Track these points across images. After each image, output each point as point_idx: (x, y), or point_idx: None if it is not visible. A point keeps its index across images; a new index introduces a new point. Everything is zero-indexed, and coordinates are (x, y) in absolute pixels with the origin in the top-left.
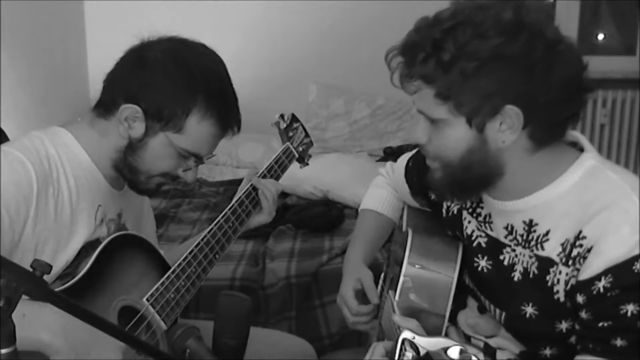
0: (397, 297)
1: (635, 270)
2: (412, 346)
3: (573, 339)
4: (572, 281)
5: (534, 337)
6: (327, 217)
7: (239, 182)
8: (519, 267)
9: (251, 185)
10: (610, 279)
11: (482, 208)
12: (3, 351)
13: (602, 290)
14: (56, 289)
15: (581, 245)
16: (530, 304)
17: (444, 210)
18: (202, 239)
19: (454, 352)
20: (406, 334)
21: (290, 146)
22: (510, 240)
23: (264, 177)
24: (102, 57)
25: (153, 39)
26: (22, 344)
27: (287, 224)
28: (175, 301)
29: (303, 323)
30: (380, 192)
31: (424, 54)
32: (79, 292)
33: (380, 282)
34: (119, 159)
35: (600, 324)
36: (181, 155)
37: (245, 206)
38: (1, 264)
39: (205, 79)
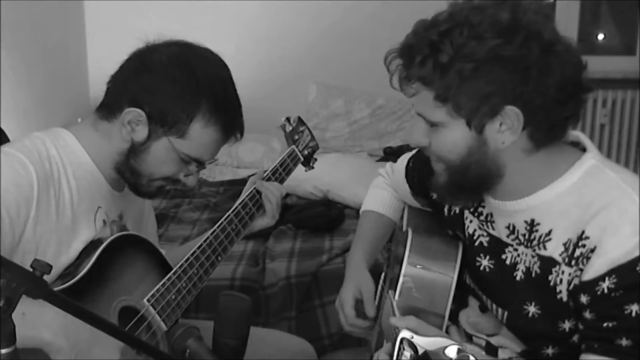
0: (396, 297)
1: (639, 271)
2: (410, 345)
3: (575, 338)
4: (575, 281)
5: (536, 336)
6: (327, 217)
7: (239, 182)
8: (521, 267)
9: (255, 188)
10: (614, 280)
11: (483, 207)
12: (3, 351)
13: (606, 290)
14: (56, 289)
15: (584, 246)
16: (533, 304)
17: (445, 210)
18: (205, 241)
19: (452, 351)
20: (404, 333)
21: (296, 149)
22: (512, 240)
23: (269, 179)
24: (102, 57)
25: (158, 42)
26: (23, 342)
27: (287, 224)
28: (176, 302)
29: (303, 323)
30: (381, 192)
31: (422, 56)
32: (80, 292)
33: (381, 282)
34: (121, 161)
35: (605, 324)
36: (183, 160)
37: (248, 209)
38: (1, 264)
39: (210, 85)
